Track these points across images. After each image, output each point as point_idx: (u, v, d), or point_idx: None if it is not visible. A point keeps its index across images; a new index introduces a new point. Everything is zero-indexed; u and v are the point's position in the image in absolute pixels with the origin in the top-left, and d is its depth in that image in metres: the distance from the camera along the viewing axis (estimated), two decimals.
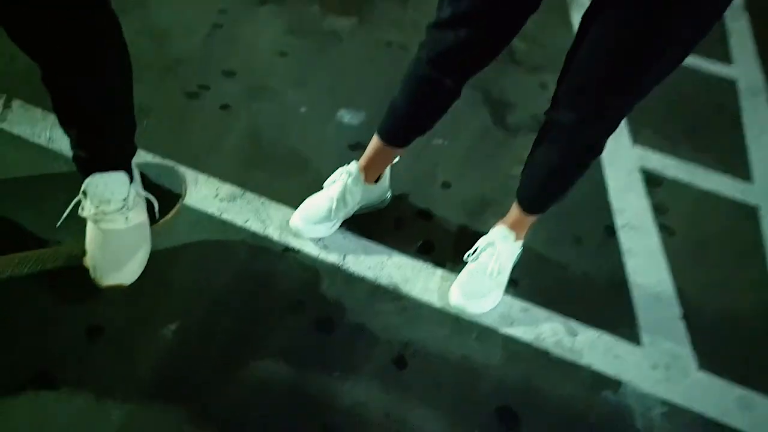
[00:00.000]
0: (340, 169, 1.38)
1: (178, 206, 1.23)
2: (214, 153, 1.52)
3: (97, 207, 1.09)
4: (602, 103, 1.01)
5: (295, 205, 1.40)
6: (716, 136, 2.02)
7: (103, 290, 1.12)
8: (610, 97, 1.00)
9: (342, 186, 1.35)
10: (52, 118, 1.48)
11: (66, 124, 1.05)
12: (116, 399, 1.04)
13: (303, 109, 1.72)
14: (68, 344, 1.10)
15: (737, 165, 1.90)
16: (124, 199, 1.11)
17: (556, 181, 1.18)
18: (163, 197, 1.19)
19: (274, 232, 1.36)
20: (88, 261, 1.10)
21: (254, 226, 1.37)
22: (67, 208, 1.14)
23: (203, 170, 1.46)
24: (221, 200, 1.40)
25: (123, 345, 1.12)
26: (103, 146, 1.07)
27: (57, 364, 1.07)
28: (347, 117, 1.73)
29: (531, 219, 1.30)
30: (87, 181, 1.08)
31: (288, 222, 1.37)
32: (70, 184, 1.21)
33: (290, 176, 1.50)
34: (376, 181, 1.41)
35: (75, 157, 1.10)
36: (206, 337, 1.16)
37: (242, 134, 1.60)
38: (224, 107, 1.67)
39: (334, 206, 1.34)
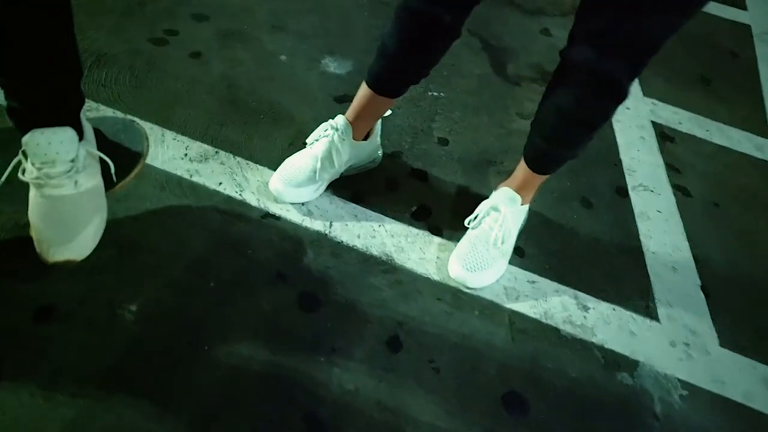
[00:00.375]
0: (324, 124, 1.22)
1: (138, 167, 1.07)
2: (183, 107, 1.35)
3: (39, 170, 0.93)
4: (624, 32, 0.86)
5: (274, 166, 1.25)
6: (731, 86, 1.87)
7: (51, 266, 0.97)
8: (632, 24, 0.85)
9: (327, 143, 1.19)
10: None
11: None
12: (67, 392, 0.91)
13: (283, 57, 1.54)
14: (12, 328, 0.96)
15: (754, 119, 1.76)
16: (72, 160, 0.95)
17: (572, 134, 1.04)
18: (121, 157, 1.03)
19: (251, 197, 1.21)
20: (33, 233, 0.95)
21: (229, 189, 1.21)
22: (4, 170, 0.98)
23: (170, 127, 1.30)
24: (191, 160, 1.24)
25: (76, 329, 0.98)
26: (42, 95, 0.91)
27: (1, 351, 0.93)
28: (332, 66, 1.56)
29: (540, 180, 1.16)
30: (26, 138, 0.92)
31: (267, 185, 1.22)
32: (6, 142, 1.05)
33: (269, 133, 1.34)
34: (366, 137, 1.25)
35: (9, 110, 0.93)
36: (172, 318, 1.02)
37: (215, 86, 1.42)
38: (194, 55, 1.48)
39: (318, 166, 1.19)
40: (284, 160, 1.23)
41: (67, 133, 0.95)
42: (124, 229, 1.08)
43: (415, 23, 1.02)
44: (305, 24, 1.67)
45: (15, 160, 0.97)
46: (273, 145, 1.32)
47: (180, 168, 1.23)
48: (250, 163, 1.27)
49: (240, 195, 1.21)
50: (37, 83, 0.89)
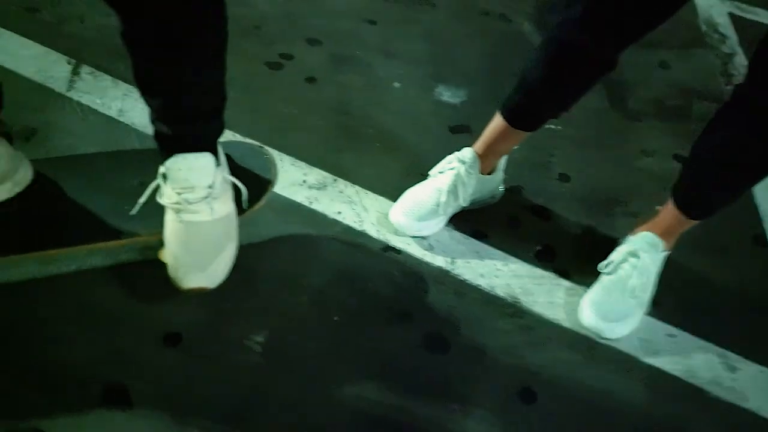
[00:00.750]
0: (450, 157, 1.17)
1: (267, 194, 1.05)
2: (299, 132, 1.33)
3: (179, 194, 0.92)
4: None
5: (392, 195, 1.21)
6: None
7: (183, 293, 0.96)
8: None
9: (453, 176, 1.14)
10: (123, 87, 1.32)
11: (148, 92, 0.87)
12: (196, 420, 0.88)
13: (396, 84, 1.51)
14: (143, 353, 0.94)
15: None
16: (210, 186, 0.94)
17: (741, 177, 0.95)
18: (250, 183, 1.01)
19: (370, 228, 1.17)
20: (168, 258, 0.93)
21: (348, 218, 1.18)
22: (142, 191, 0.97)
23: (288, 151, 1.28)
24: (310, 187, 1.22)
25: (203, 357, 0.95)
26: (191, 121, 0.89)
27: (130, 376, 0.91)
28: (445, 94, 1.52)
29: (688, 225, 1.07)
30: (168, 163, 0.91)
31: (386, 215, 1.18)
32: (146, 164, 1.04)
33: (385, 161, 1.31)
34: (491, 171, 1.20)
35: (157, 134, 0.92)
36: (296, 351, 0.98)
37: (330, 111, 1.41)
38: (310, 80, 1.47)
39: (443, 200, 1.14)
40: (401, 189, 1.19)
41: (207, 160, 0.93)
42: (246, 257, 1.05)
43: (566, 57, 0.96)
44: (416, 50, 1.64)
45: (154, 184, 0.96)
46: (389, 173, 1.28)
47: (299, 194, 1.20)
48: (368, 192, 1.24)
49: (359, 225, 1.17)
50: (194, 109, 0.88)
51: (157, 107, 0.88)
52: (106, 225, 0.97)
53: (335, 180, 1.25)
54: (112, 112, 1.27)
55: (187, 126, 0.90)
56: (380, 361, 0.99)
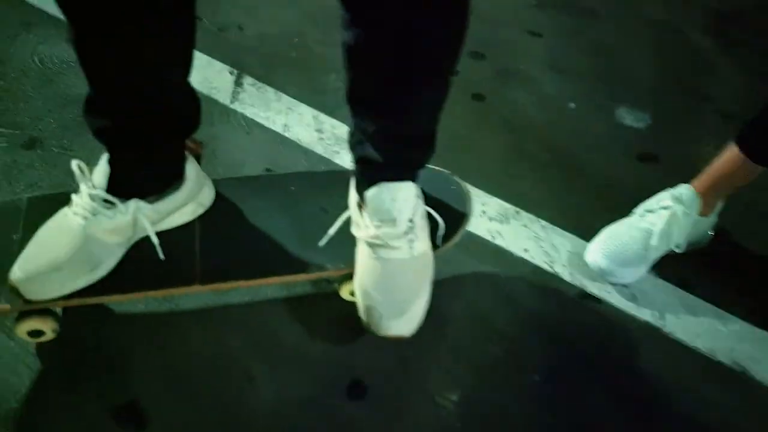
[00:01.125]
0: (663, 194, 1.01)
1: (462, 229, 0.93)
2: (470, 154, 1.21)
3: (377, 227, 0.81)
4: None
5: (582, 233, 1.06)
6: None
7: (367, 336, 0.85)
8: None
9: (668, 217, 0.98)
10: (286, 101, 1.25)
11: (365, 113, 0.77)
12: None
13: (571, 105, 1.36)
14: (325, 402, 0.84)
15: None
16: (411, 220, 0.83)
17: None
18: (444, 216, 0.89)
19: (562, 270, 1.03)
20: (359, 298, 0.83)
21: (537, 258, 1.04)
22: (325, 219, 0.88)
23: (462, 177, 1.16)
24: (490, 219, 1.09)
25: (392, 412, 0.84)
26: (409, 146, 0.79)
27: (311, 423, 0.82)
28: (627, 117, 1.35)
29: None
30: (370, 193, 0.81)
31: (581, 256, 1.04)
32: (326, 188, 0.95)
33: (567, 192, 1.16)
34: (709, 212, 1.03)
35: (360, 160, 0.82)
36: (495, 415, 0.85)
37: (501, 131, 1.28)
38: (477, 97, 1.35)
39: (653, 243, 0.98)
40: (591, 226, 1.05)
41: (411, 191, 0.82)
42: (434, 296, 0.94)
43: None
44: (586, 66, 1.48)
45: (346, 215, 0.86)
46: (575, 206, 1.13)
47: (481, 227, 1.08)
48: (555, 227, 1.09)
49: (550, 266, 1.03)
50: (412, 131, 0.78)
51: (372, 130, 0.77)
52: (289, 255, 0.88)
53: (517, 212, 1.11)
54: (277, 128, 1.19)
55: (404, 151, 0.79)
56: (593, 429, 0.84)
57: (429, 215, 0.87)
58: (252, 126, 1.19)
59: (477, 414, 0.86)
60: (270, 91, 1.26)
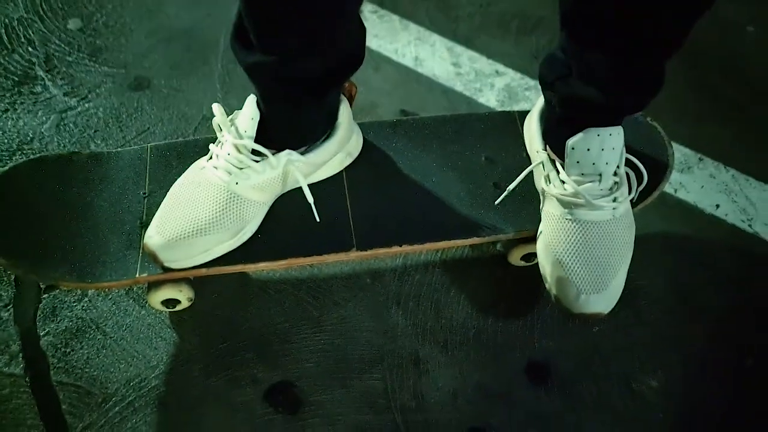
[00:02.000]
0: None
1: (663, 184, 0.76)
2: None
3: (579, 183, 0.66)
4: None
5: None
6: None
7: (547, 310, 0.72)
8: None
9: None
10: (413, 30, 1.08)
11: (590, 31, 0.59)
12: None
13: (750, 29, 1.14)
14: (508, 388, 0.72)
15: None
16: (616, 173, 0.67)
17: None
18: (645, 167, 0.73)
19: (765, 230, 0.86)
20: (551, 269, 0.68)
21: (731, 216, 0.87)
22: (493, 170, 0.74)
23: None
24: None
25: (580, 400, 0.71)
26: (639, 81, 0.62)
27: (491, 411, 0.70)
28: None
29: None
30: (575, 140, 0.65)
31: None
32: (487, 135, 0.80)
33: (764, 135, 0.97)
34: None
35: (565, 99, 0.65)
36: (700, 401, 0.72)
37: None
38: None
39: None
40: None
41: (621, 137, 0.66)
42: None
43: None
44: None
45: (533, 166, 0.71)
46: None
47: None
48: (749, 178, 0.91)
49: (749, 226, 0.86)
50: (648, 64, 0.61)
51: (599, 62, 0.60)
52: (455, 215, 0.74)
53: (701, 159, 0.93)
54: (408, 61, 1.03)
55: (634, 91, 0.62)
56: None
57: (631, 166, 0.71)
58: (380, 61, 1.03)
59: (680, 402, 0.72)
60: (395, 20, 1.09)
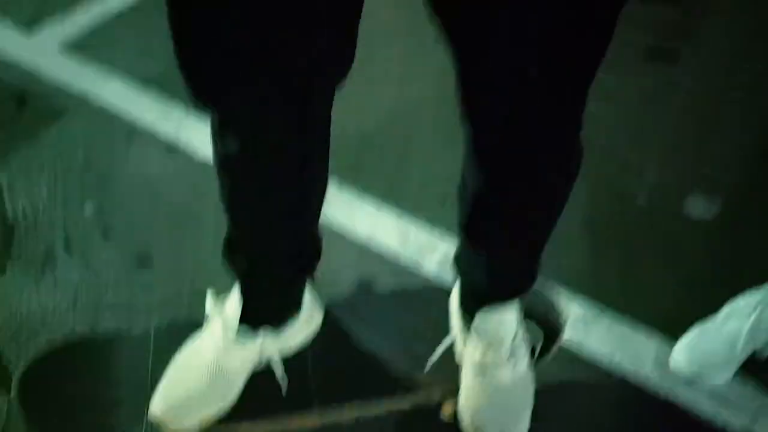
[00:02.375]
0: (754, 293, 1.04)
1: (557, 344, 0.97)
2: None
3: (483, 353, 0.87)
4: None
5: (668, 332, 1.09)
6: None
7: None
8: None
9: (759, 312, 1.01)
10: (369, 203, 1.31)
11: (481, 240, 0.83)
12: None
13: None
14: None
15: None
16: (513, 340, 0.88)
17: None
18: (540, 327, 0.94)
19: (651, 373, 1.06)
20: (469, 420, 0.87)
21: (624, 362, 1.07)
22: (429, 335, 0.94)
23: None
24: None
25: None
26: (521, 272, 0.85)
27: None
28: (699, 207, 1.37)
29: None
30: (478, 319, 0.87)
31: (669, 358, 1.06)
32: (428, 302, 1.02)
33: (650, 282, 1.19)
34: None
35: (468, 284, 0.88)
36: None
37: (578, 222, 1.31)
38: None
39: (741, 343, 1.01)
40: (674, 327, 1.07)
41: (516, 312, 0.88)
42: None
43: None
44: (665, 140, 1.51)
45: (448, 340, 0.92)
46: (656, 298, 1.16)
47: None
48: (637, 329, 1.13)
49: (636, 370, 1.06)
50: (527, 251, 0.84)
51: (487, 260, 0.84)
52: (392, 374, 0.94)
53: (600, 313, 1.15)
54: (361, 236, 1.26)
55: (516, 279, 0.86)
56: None
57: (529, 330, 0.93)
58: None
59: None
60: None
